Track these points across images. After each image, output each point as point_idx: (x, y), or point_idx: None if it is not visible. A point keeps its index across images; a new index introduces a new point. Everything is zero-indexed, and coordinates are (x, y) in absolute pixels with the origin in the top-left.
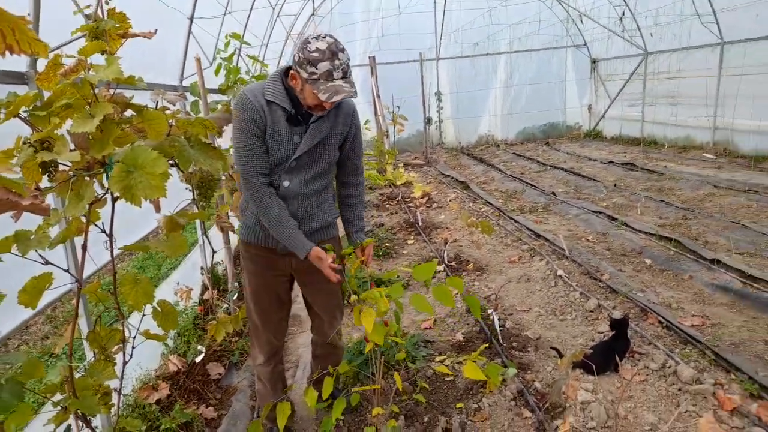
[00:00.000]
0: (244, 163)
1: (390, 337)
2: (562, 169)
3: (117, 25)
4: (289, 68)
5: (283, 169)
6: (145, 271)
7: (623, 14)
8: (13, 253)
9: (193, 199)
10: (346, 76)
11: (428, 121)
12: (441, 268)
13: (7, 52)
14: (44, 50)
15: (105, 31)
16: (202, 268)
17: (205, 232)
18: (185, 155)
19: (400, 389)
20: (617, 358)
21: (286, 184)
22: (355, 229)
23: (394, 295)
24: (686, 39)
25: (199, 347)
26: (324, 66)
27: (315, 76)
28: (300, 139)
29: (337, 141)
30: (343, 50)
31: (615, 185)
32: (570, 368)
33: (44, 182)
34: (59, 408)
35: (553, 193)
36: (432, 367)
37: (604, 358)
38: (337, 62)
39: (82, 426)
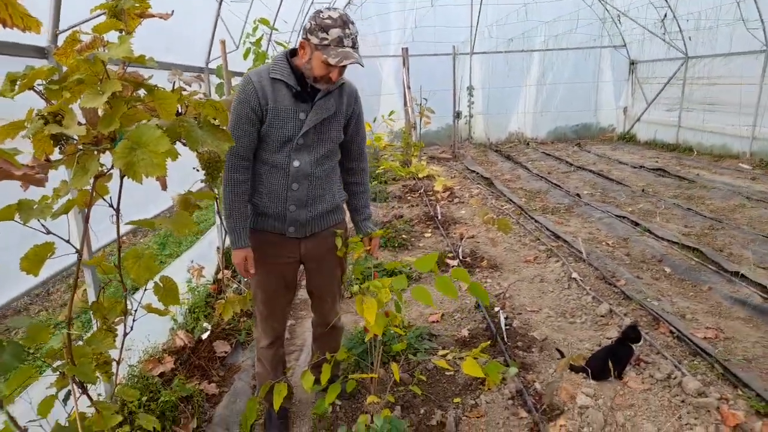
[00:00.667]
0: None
1: (391, 327)
2: (591, 171)
3: (137, 5)
4: (294, 51)
5: (291, 148)
6: (166, 247)
7: (665, 16)
8: (16, 221)
9: (202, 179)
10: (354, 46)
11: (458, 115)
12: (455, 263)
13: (0, 26)
14: (36, 25)
15: (123, 10)
16: (218, 248)
17: (220, 213)
18: (194, 135)
19: (398, 380)
20: (620, 365)
21: (296, 164)
22: (363, 217)
23: (396, 286)
24: (728, 44)
25: (205, 324)
26: (335, 32)
27: (326, 42)
28: (305, 116)
29: (342, 120)
30: (353, 23)
31: (643, 190)
32: (565, 371)
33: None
34: (59, 373)
35: (578, 194)
36: (432, 361)
37: (605, 364)
38: (347, 31)
39: (80, 393)
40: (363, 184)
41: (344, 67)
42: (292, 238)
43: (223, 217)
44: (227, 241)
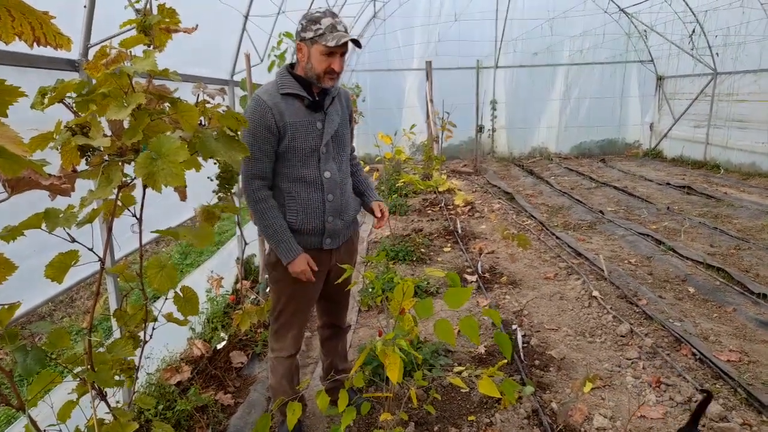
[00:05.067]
0: (245, 164)
1: (410, 348)
2: (615, 187)
3: (167, 20)
4: (293, 65)
5: (317, 160)
6: (187, 257)
7: (693, 31)
8: (42, 229)
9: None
10: (346, 32)
11: (480, 129)
12: (474, 278)
13: (35, 44)
14: (68, 43)
15: (151, 25)
16: (237, 259)
17: (239, 225)
18: (207, 146)
19: (415, 405)
20: None
21: (327, 175)
22: (368, 189)
23: (421, 314)
24: (758, 61)
25: (222, 335)
26: (327, 21)
27: (320, 31)
28: (322, 125)
29: (348, 123)
30: (338, 16)
31: (668, 208)
32: (581, 390)
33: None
34: (79, 379)
35: (601, 211)
36: (448, 379)
37: None
38: (337, 20)
39: (99, 400)
40: (357, 165)
41: (344, 54)
42: (326, 251)
43: (270, 239)
44: (247, 252)
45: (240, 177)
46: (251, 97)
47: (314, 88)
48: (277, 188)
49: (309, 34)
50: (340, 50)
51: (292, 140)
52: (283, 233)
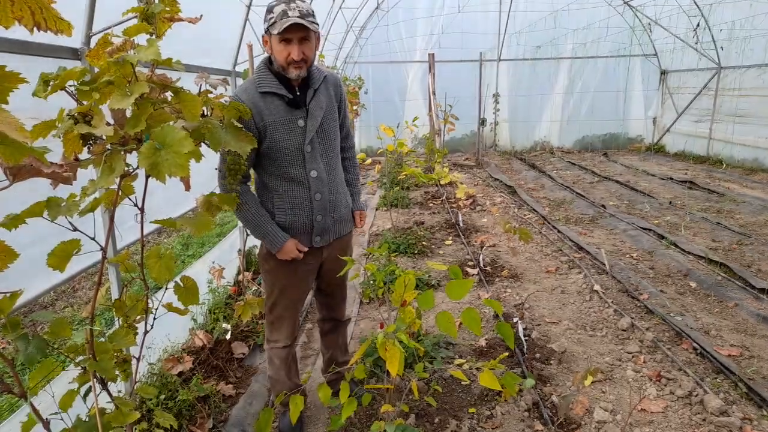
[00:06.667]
0: (222, 161)
1: (411, 341)
2: (617, 181)
3: (167, 9)
4: (270, 58)
5: (302, 159)
6: (189, 247)
7: (698, 25)
8: (44, 218)
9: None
10: (304, 17)
11: (482, 122)
12: (475, 271)
13: (35, 29)
14: (68, 28)
15: (154, 14)
16: (239, 250)
17: None
18: (216, 137)
19: (416, 397)
20: None
21: (314, 174)
22: (357, 190)
23: (423, 306)
24: (763, 55)
25: (224, 326)
26: (279, 8)
27: (273, 20)
28: (304, 122)
29: (336, 113)
30: (295, 1)
31: (670, 203)
32: (582, 384)
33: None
34: (81, 368)
35: (603, 205)
36: (449, 371)
37: None
38: (293, 5)
39: (101, 389)
40: (352, 158)
41: (304, 40)
42: (317, 247)
43: (249, 231)
44: (248, 243)
45: (217, 173)
46: (231, 96)
47: (293, 81)
48: (265, 186)
49: (266, 25)
50: (295, 36)
51: (273, 140)
52: (264, 224)
